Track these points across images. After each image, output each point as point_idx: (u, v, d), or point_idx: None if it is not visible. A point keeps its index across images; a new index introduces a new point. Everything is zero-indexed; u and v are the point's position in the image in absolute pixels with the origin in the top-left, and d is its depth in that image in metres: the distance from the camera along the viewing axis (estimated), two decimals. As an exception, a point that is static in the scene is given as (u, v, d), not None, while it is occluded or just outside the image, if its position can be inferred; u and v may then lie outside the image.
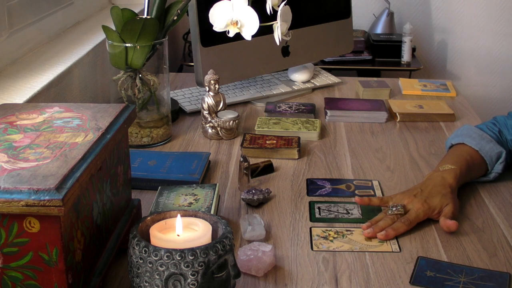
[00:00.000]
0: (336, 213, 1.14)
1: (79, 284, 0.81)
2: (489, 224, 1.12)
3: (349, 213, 1.15)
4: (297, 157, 1.37)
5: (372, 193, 1.23)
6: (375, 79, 1.92)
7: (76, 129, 0.89)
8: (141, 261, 0.78)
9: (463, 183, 1.22)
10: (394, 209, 1.11)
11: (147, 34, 1.34)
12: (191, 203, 1.10)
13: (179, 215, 0.85)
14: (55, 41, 1.61)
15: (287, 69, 1.85)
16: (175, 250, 0.77)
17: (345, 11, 1.91)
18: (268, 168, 1.29)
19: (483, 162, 1.25)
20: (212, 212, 1.06)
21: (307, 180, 1.28)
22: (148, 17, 1.36)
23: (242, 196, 1.17)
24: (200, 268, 0.78)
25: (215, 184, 1.16)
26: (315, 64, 1.97)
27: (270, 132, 1.47)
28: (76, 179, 0.75)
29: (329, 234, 1.08)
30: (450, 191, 1.15)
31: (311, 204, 1.17)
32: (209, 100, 1.46)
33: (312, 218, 1.13)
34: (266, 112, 1.61)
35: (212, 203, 1.09)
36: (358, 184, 1.26)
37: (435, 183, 1.16)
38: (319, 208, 1.16)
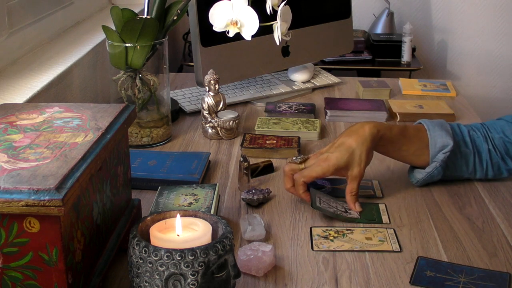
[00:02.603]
0: (335, 209, 1.14)
1: (79, 284, 0.81)
2: (489, 224, 1.12)
3: (347, 211, 1.15)
4: (297, 157, 1.37)
5: (372, 193, 1.23)
6: (375, 79, 1.92)
7: (76, 129, 0.89)
8: (141, 261, 0.78)
9: (389, 144, 1.18)
10: (293, 158, 1.19)
11: (147, 34, 1.34)
12: (191, 203, 1.10)
13: (179, 215, 0.85)
14: (55, 41, 1.61)
15: (287, 69, 1.85)
16: (175, 250, 0.77)
17: (345, 11, 1.91)
18: (268, 168, 1.29)
19: (427, 144, 1.20)
20: (212, 212, 1.06)
21: (307, 180, 1.27)
22: (148, 17, 1.36)
23: (242, 196, 1.17)
24: (200, 268, 0.78)
25: (215, 184, 1.16)
26: (315, 64, 1.97)
27: (270, 132, 1.47)
28: (76, 179, 0.75)
29: (330, 234, 1.08)
30: (360, 143, 1.13)
31: (313, 192, 1.15)
32: (209, 100, 1.46)
33: (313, 205, 1.12)
34: (266, 112, 1.61)
35: (212, 203, 1.09)
36: (358, 184, 1.25)
37: (351, 133, 1.15)
38: (319, 198, 1.16)
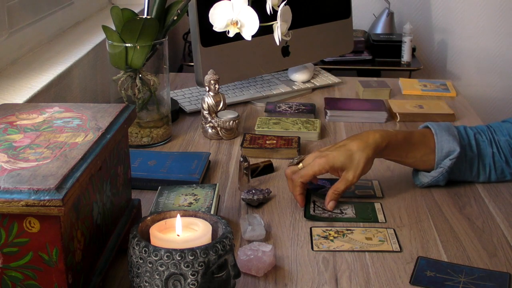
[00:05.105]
0: (330, 212, 1.14)
1: (79, 284, 0.81)
2: (489, 224, 1.12)
3: (342, 212, 1.15)
4: (297, 157, 1.37)
5: (372, 193, 1.23)
6: (375, 79, 1.92)
7: (76, 129, 0.89)
8: (141, 261, 0.78)
9: (395, 152, 1.18)
10: (291, 160, 1.20)
11: (147, 34, 1.34)
12: (191, 203, 1.10)
13: (179, 215, 0.85)
14: (55, 41, 1.61)
15: (287, 69, 1.85)
16: (175, 250, 0.77)
17: (345, 11, 1.91)
18: (268, 168, 1.29)
19: (433, 149, 1.19)
20: (212, 212, 1.06)
21: (307, 180, 1.27)
22: (148, 17, 1.36)
23: (242, 196, 1.17)
24: (200, 268, 0.78)
25: (215, 184, 1.16)
26: (315, 64, 1.97)
27: (270, 132, 1.47)
28: (76, 179, 0.75)
29: (330, 234, 1.08)
30: (361, 149, 1.13)
31: (308, 195, 1.17)
32: (209, 100, 1.46)
33: (307, 215, 1.13)
34: (266, 112, 1.61)
35: (212, 203, 1.09)
36: (358, 184, 1.25)
37: (354, 138, 1.16)
38: (314, 202, 1.16)
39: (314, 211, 1.14)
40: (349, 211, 1.15)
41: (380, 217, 1.13)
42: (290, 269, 0.98)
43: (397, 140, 1.17)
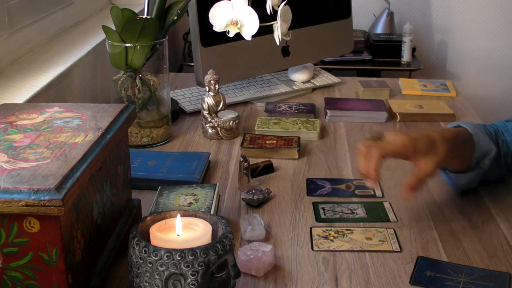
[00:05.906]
0: (341, 213, 1.14)
1: (79, 284, 0.81)
2: (489, 224, 1.12)
3: (353, 213, 1.15)
4: (297, 157, 1.37)
5: (372, 193, 1.23)
6: (375, 79, 1.92)
7: (76, 129, 0.89)
8: (141, 261, 0.78)
9: (451, 156, 1.10)
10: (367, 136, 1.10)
11: (147, 34, 1.34)
12: (191, 203, 1.10)
13: (179, 215, 0.85)
14: (55, 41, 1.61)
15: (287, 69, 1.85)
16: (175, 250, 0.77)
17: (345, 11, 1.91)
18: (268, 168, 1.29)
19: (473, 149, 1.14)
20: (212, 212, 1.06)
21: (307, 180, 1.27)
22: (148, 17, 1.36)
23: (242, 196, 1.17)
24: (200, 268, 0.78)
25: (215, 184, 1.16)
26: (315, 64, 1.97)
27: (270, 132, 1.47)
28: (76, 179, 0.75)
29: (330, 234, 1.08)
30: (442, 140, 1.05)
31: (315, 205, 1.17)
32: (209, 100, 1.46)
33: (318, 219, 1.13)
34: (266, 112, 1.61)
35: (212, 203, 1.09)
36: (358, 184, 1.26)
37: (429, 129, 1.10)
38: (323, 208, 1.16)
39: (324, 214, 1.14)
40: (360, 211, 1.15)
41: (391, 216, 1.13)
42: (290, 269, 0.98)
43: (455, 140, 1.09)
